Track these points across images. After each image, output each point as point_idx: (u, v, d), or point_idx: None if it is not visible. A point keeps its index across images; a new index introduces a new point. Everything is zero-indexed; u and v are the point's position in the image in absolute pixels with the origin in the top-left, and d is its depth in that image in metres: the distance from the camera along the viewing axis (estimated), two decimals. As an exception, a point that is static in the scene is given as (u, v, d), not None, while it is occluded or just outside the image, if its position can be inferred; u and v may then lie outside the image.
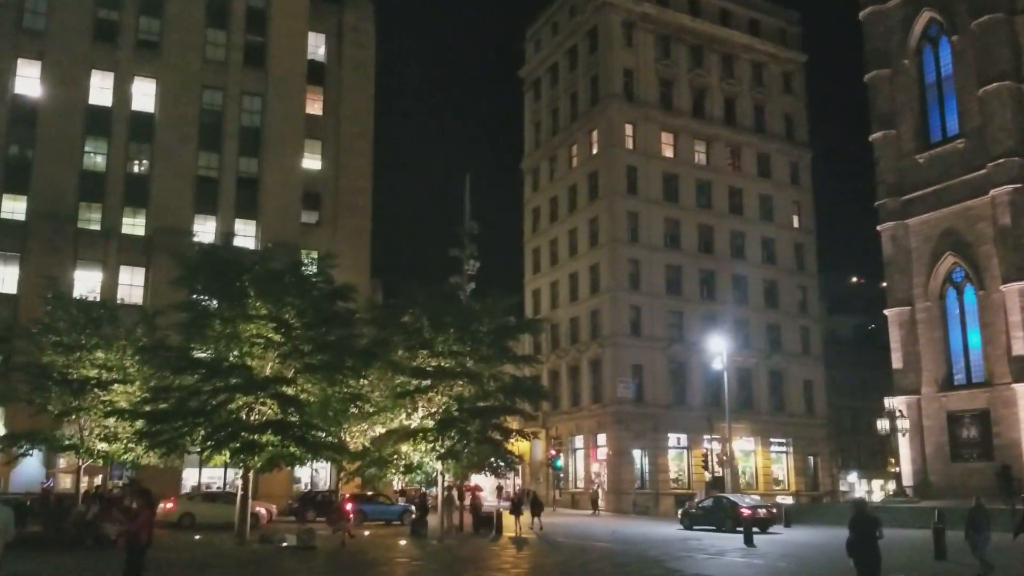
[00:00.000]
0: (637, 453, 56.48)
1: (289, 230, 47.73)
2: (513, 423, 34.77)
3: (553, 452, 58.35)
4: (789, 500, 53.04)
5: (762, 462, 60.76)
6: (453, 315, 31.26)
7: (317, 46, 54.90)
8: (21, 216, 43.60)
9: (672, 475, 57.44)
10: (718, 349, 46.00)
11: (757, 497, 44.81)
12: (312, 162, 52.75)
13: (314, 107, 53.59)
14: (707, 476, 50.60)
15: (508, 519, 33.88)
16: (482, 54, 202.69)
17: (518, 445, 35.67)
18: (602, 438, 57.59)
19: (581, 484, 59.26)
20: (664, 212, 61.41)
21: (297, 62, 51.39)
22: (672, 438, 57.66)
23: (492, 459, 31.90)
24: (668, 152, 63.22)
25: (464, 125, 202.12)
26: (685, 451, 58.12)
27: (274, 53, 50.68)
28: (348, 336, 29.97)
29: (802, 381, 64.01)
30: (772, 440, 61.13)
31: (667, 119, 63.22)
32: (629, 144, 61.65)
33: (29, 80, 45.35)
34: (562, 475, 60.18)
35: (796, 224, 67.47)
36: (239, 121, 49.47)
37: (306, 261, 32.62)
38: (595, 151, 63.32)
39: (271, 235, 45.46)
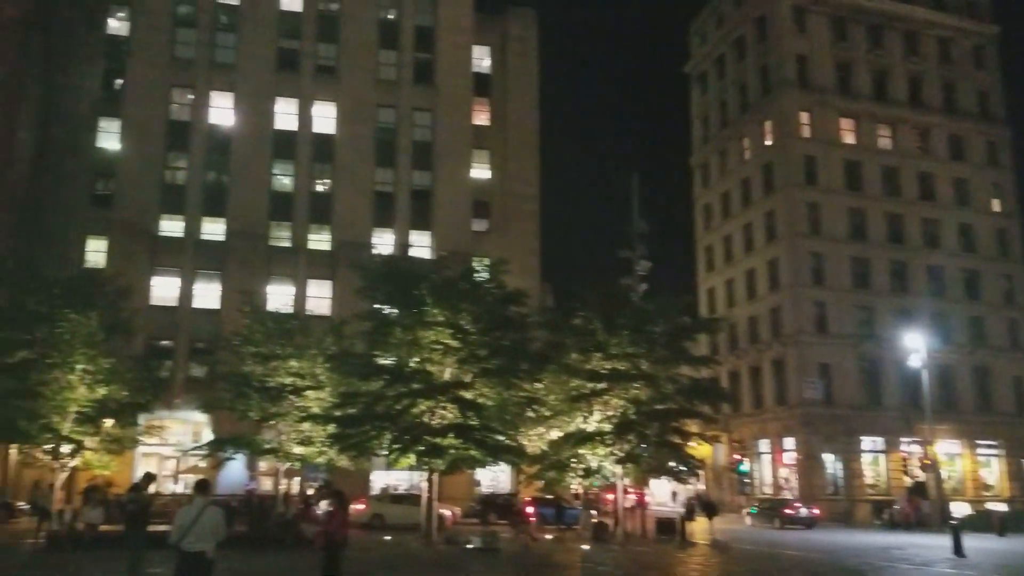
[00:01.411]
0: (828, 458, 53.53)
1: (461, 239, 48.82)
2: (692, 426, 33.80)
3: (737, 457, 56.38)
4: (1003, 507, 48.62)
5: (969, 466, 56.07)
6: (626, 317, 30.77)
7: (482, 58, 56.02)
8: (220, 236, 46.96)
9: (868, 480, 54.06)
10: (915, 345, 42.87)
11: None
12: (480, 171, 53.83)
13: (481, 118, 54.70)
14: (908, 481, 47.23)
15: (692, 525, 32.90)
16: (644, 52, 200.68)
17: (699, 449, 34.67)
18: (789, 442, 55.07)
19: (768, 490, 56.89)
20: (847, 202, 58.19)
21: (463, 76, 52.62)
22: (867, 441, 54.26)
23: (672, 463, 31.13)
24: (849, 139, 59.94)
25: (628, 124, 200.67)
26: (882, 455, 54.55)
27: (442, 69, 52.11)
28: (521, 340, 30.14)
29: (1011, 378, 58.62)
30: (979, 442, 56.27)
31: (846, 104, 59.97)
32: (805, 132, 58.92)
33: (222, 111, 48.85)
34: (747, 480, 58.01)
35: (997, 208, 62.09)
36: (411, 136, 51.22)
37: (478, 268, 33.07)
38: (769, 142, 60.94)
39: (444, 244, 46.74)
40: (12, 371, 28.20)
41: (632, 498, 37.23)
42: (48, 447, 29.07)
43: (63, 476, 29.95)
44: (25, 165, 45.90)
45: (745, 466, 56.66)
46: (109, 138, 50.00)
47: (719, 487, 59.83)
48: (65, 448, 28.97)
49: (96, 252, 47.40)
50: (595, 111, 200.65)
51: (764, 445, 57.95)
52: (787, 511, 43.49)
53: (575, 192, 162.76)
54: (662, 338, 31.05)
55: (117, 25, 51.80)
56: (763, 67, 62.27)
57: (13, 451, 37.78)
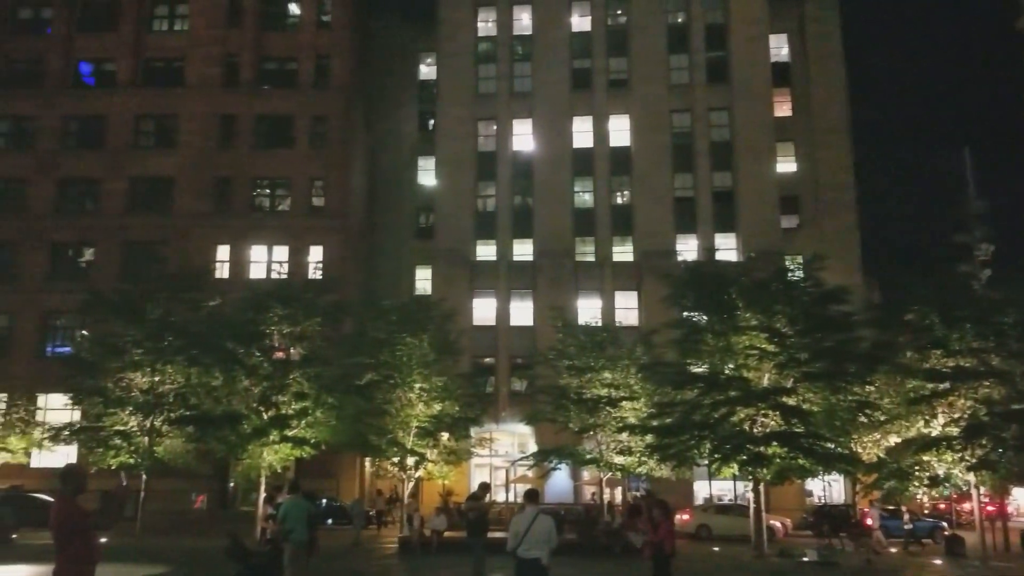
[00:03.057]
0: None
1: (769, 237, 46.75)
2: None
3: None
4: None
5: None
6: (968, 308, 27.54)
7: (779, 47, 53.61)
8: (529, 256, 49.13)
9: None
10: None
11: None
12: (786, 165, 51.36)
13: (782, 109, 52.23)
14: None
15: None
16: (961, 11, 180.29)
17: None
18: None
19: None
20: None
21: (760, 68, 50.59)
22: None
23: (1038, 469, 27.24)
24: None
25: (952, 95, 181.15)
26: None
27: (736, 64, 50.54)
28: (846, 341, 28.00)
29: None
30: None
31: None
32: None
33: (523, 137, 51.21)
34: None
35: None
36: (708, 138, 50.14)
37: (791, 267, 31.39)
38: None
39: (752, 245, 45.04)
40: (361, 392, 31.43)
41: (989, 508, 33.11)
42: (395, 459, 32.01)
43: (410, 485, 32.79)
44: (360, 208, 51.37)
45: None
46: (427, 175, 54.68)
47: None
48: (410, 460, 31.70)
49: (423, 280, 51.86)
50: (911, 84, 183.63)
51: None
52: None
53: (896, 177, 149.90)
54: (1014, 330, 27.34)
55: (427, 71, 56.61)
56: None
57: (368, 464, 42.20)
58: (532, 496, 11.74)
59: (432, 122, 54.25)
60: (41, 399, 41.27)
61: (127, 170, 47.23)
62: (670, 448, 27.80)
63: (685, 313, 30.25)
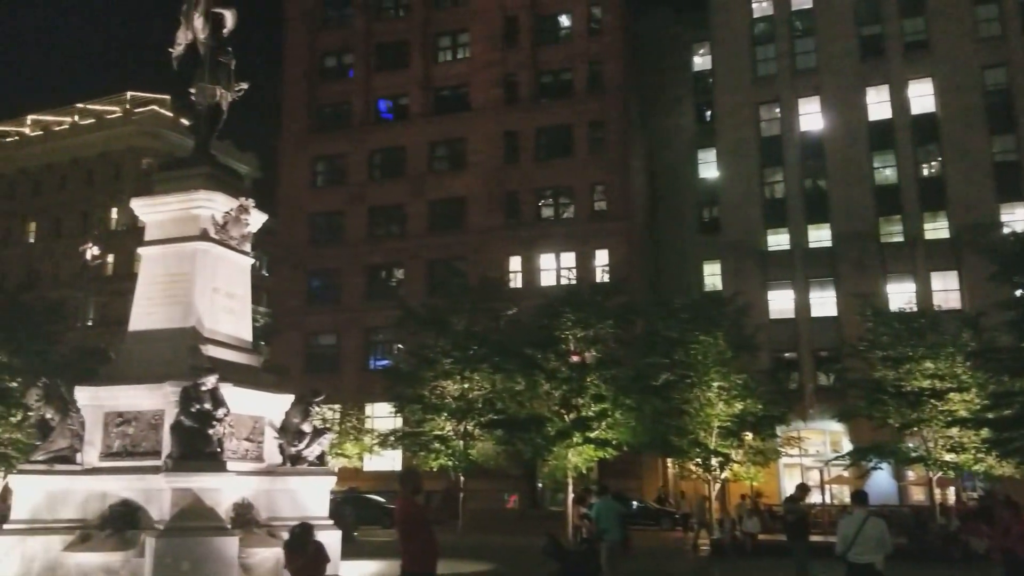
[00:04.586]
0: None
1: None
2: None
3: None
4: None
5: None
6: None
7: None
8: (827, 242, 46.10)
9: None
10: None
11: None
12: None
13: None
14: None
15: None
16: None
17: None
18: None
19: None
20: None
21: (1091, 3, 43.74)
22: None
23: None
24: None
25: None
26: None
27: (1059, 3, 44.06)
28: None
29: None
30: None
31: None
32: None
33: (810, 116, 48.21)
34: None
35: None
36: (1031, 91, 44.13)
37: None
38: None
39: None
40: (658, 392, 31.20)
41: None
42: (698, 460, 31.31)
43: (716, 487, 31.92)
44: (641, 208, 51.29)
45: None
46: (708, 168, 53.38)
47: None
48: (714, 461, 30.85)
49: (711, 275, 50.61)
50: None
51: None
52: None
53: None
54: None
55: (700, 61, 55.39)
56: None
57: (670, 465, 41.84)
58: (861, 498, 11.41)
59: (710, 112, 52.98)
60: (368, 408, 45.49)
61: (426, 194, 51.00)
62: (1012, 443, 24.71)
63: (1020, 292, 26.75)
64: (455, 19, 53.51)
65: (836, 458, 36.17)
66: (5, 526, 13.48)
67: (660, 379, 31.65)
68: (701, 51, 55.16)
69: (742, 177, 48.16)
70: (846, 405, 33.63)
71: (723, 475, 31.60)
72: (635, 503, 37.47)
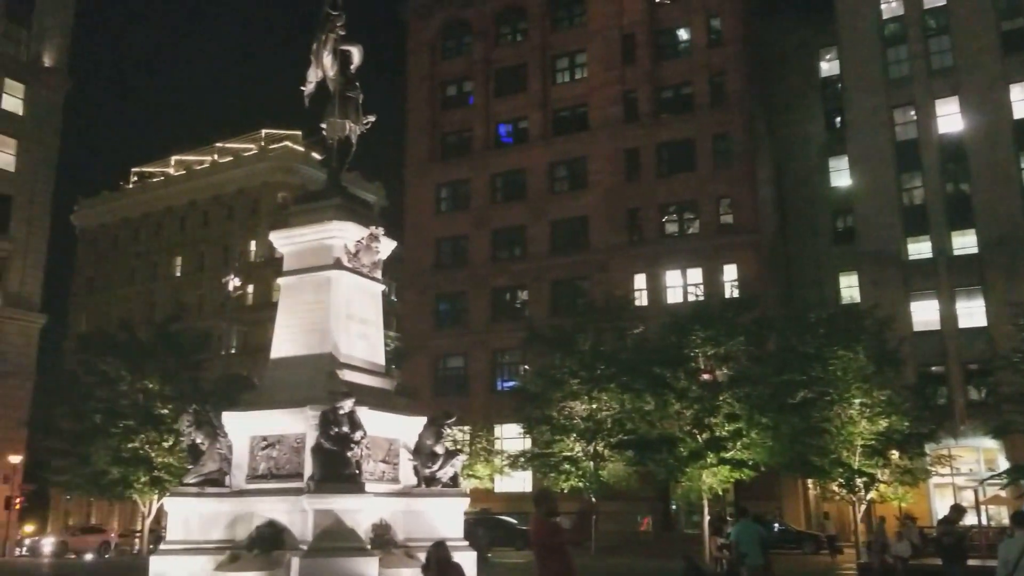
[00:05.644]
0: None
1: None
2: None
3: None
4: None
5: None
6: None
7: None
8: (973, 249, 43.45)
9: None
10: None
11: None
12: None
13: None
14: None
15: None
16: None
17: None
18: None
19: None
20: None
21: None
22: None
23: None
24: None
25: None
26: None
27: None
28: None
29: None
30: None
31: None
32: None
33: (948, 118, 45.68)
34: None
35: None
36: None
37: None
38: None
39: None
40: (795, 410, 29.99)
41: None
42: (841, 480, 29.87)
43: (861, 509, 30.38)
44: (770, 220, 49.76)
45: None
46: (840, 176, 51.33)
47: None
48: (858, 481, 29.37)
49: (848, 287, 48.54)
50: None
51: None
52: None
53: None
54: None
55: (827, 67, 53.48)
56: None
57: (811, 485, 40.11)
58: (1021, 519, 10.57)
59: (840, 119, 50.98)
60: (497, 429, 45.78)
61: (547, 215, 51.18)
62: None
63: None
64: (572, 40, 53.71)
65: (992, 476, 33.84)
66: (161, 546, 14.20)
67: (797, 396, 30.46)
68: (828, 56, 53.24)
69: (878, 184, 46.05)
70: (1001, 420, 31.56)
71: (868, 496, 30.06)
72: (776, 526, 36.07)
